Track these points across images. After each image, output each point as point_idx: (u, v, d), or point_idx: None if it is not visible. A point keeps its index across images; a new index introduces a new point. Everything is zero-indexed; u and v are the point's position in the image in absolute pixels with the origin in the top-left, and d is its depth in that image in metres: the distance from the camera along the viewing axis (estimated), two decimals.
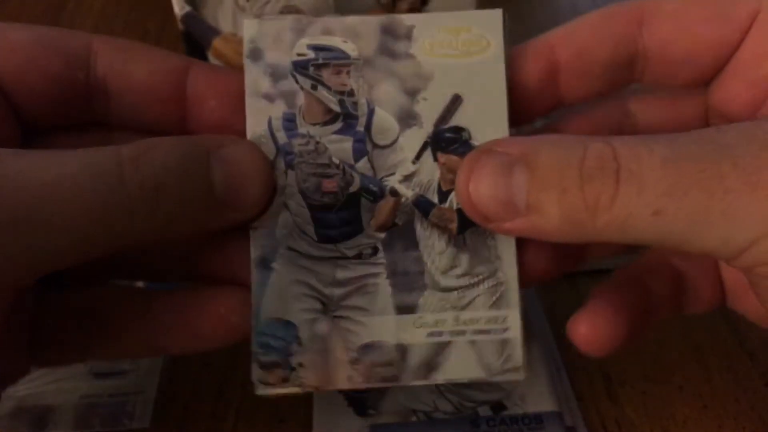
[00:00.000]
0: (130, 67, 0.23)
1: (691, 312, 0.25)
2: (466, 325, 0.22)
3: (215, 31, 0.34)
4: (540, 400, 0.28)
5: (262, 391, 0.22)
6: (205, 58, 0.35)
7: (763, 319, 0.23)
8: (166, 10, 0.37)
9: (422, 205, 0.23)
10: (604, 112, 0.24)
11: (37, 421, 0.28)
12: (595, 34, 0.22)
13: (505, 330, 0.22)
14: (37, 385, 0.30)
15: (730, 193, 0.17)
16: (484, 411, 0.28)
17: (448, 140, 0.22)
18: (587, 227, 0.18)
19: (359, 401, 0.28)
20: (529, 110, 0.24)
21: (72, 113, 0.23)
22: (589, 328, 0.22)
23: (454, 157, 0.22)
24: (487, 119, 0.22)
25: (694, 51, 0.22)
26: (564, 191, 0.18)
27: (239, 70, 0.23)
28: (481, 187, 0.20)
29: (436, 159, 0.22)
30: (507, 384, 0.28)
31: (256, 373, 0.22)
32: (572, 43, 0.22)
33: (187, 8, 0.33)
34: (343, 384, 0.22)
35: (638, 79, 0.23)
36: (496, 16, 0.22)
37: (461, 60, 0.22)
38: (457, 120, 0.22)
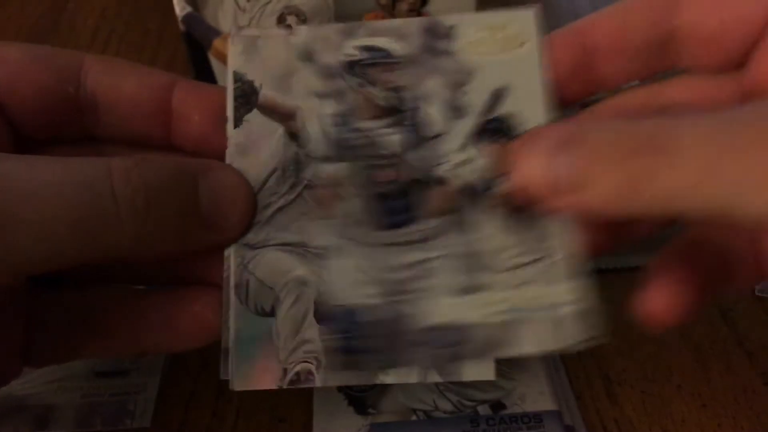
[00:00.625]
0: (118, 82, 0.24)
1: (738, 289, 0.25)
2: (529, 302, 0.22)
3: (216, 32, 0.34)
4: (539, 400, 0.28)
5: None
6: (205, 58, 0.35)
7: None
8: (167, 11, 0.37)
9: (471, 191, 0.23)
10: (640, 98, 0.25)
11: (39, 420, 0.29)
12: (630, 17, 0.23)
13: (571, 303, 0.22)
14: (39, 384, 0.30)
15: (765, 164, 0.17)
16: (484, 410, 0.28)
17: (491, 131, 0.23)
18: (634, 202, 0.19)
19: (359, 400, 0.28)
20: (567, 95, 0.24)
21: (63, 126, 0.24)
22: (668, 296, 0.22)
23: (498, 146, 0.23)
24: (526, 111, 0.23)
25: (725, 29, 0.22)
26: (609, 167, 0.19)
27: (222, 86, 0.24)
28: (531, 168, 0.20)
29: (481, 148, 0.23)
30: (506, 383, 0.28)
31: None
32: (606, 27, 0.23)
33: (188, 9, 0.34)
34: (406, 367, 0.22)
35: (675, 62, 0.24)
36: (530, 15, 0.24)
37: (499, 57, 0.24)
38: (499, 112, 0.23)
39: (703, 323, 0.32)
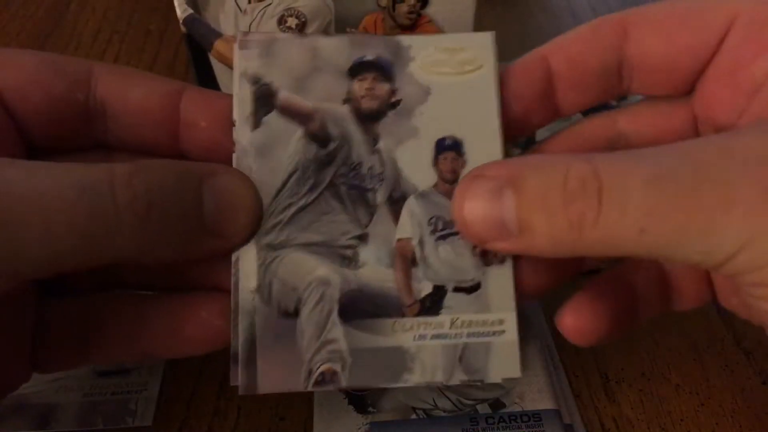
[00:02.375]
0: (127, 89, 0.24)
1: (679, 309, 0.26)
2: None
3: (217, 33, 0.34)
4: (538, 398, 0.28)
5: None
6: (206, 59, 0.36)
7: (751, 317, 0.24)
8: (168, 13, 0.38)
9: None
10: (595, 131, 0.25)
11: (40, 418, 0.29)
12: (585, 45, 0.23)
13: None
14: (40, 383, 0.30)
15: (707, 212, 0.18)
16: (483, 409, 0.28)
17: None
18: (575, 245, 0.19)
19: (359, 399, 0.28)
20: (529, 123, 0.25)
21: (72, 134, 0.24)
22: (574, 319, 0.23)
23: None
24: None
25: (673, 57, 0.22)
26: (550, 212, 0.19)
27: (229, 93, 0.24)
28: (474, 211, 0.20)
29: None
30: (506, 382, 0.28)
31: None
32: (564, 54, 0.23)
33: (189, 10, 0.34)
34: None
35: (626, 89, 0.24)
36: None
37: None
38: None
39: (702, 322, 0.32)
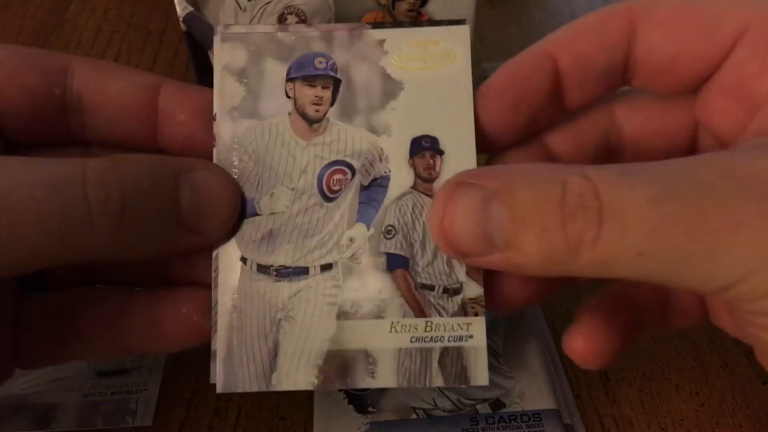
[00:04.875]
0: (104, 83, 0.24)
1: (677, 326, 0.25)
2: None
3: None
4: (538, 398, 0.28)
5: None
6: (206, 58, 0.36)
7: (742, 338, 0.24)
8: (168, 11, 0.38)
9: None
10: (591, 122, 0.24)
11: (40, 418, 0.29)
12: (593, 42, 0.22)
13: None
14: (41, 384, 0.30)
15: (711, 235, 0.17)
16: (483, 409, 0.28)
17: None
18: (568, 265, 0.18)
19: (359, 399, 0.28)
20: (538, 123, 0.24)
21: (50, 129, 0.24)
22: (586, 343, 0.22)
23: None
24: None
25: (677, 62, 0.22)
26: (544, 229, 0.18)
27: (208, 87, 0.24)
28: (456, 224, 0.19)
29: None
30: (506, 382, 0.28)
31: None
32: (572, 53, 0.22)
33: (189, 8, 0.34)
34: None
35: (628, 83, 0.23)
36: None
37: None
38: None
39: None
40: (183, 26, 0.33)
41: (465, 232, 0.19)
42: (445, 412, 0.28)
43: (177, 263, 0.24)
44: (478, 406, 0.28)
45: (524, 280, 0.23)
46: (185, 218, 0.21)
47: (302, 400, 0.29)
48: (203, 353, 0.23)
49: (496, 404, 0.28)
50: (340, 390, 0.29)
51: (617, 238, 0.17)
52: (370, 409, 0.28)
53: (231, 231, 0.23)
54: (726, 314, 0.24)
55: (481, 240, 0.19)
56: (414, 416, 0.28)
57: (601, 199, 0.17)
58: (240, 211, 0.23)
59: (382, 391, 0.29)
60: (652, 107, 0.24)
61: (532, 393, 0.28)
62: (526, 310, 0.31)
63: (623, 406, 0.29)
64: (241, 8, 0.33)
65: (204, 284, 0.23)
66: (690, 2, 0.21)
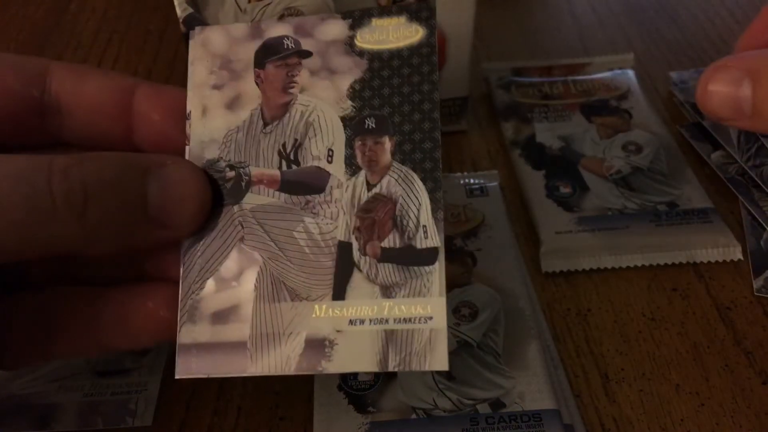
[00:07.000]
0: (80, 85, 0.24)
1: None
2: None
3: None
4: (538, 398, 0.28)
5: None
6: None
7: None
8: (168, 12, 0.38)
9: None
10: None
11: (40, 418, 0.29)
12: None
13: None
14: (40, 384, 0.30)
15: None
16: (483, 409, 0.28)
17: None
18: None
19: (359, 398, 0.28)
20: None
21: (29, 130, 0.24)
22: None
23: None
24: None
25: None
26: None
27: (182, 88, 0.25)
28: (715, 96, 0.26)
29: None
30: (506, 382, 0.28)
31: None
32: None
33: (189, 10, 0.34)
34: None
35: None
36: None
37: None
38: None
39: (702, 322, 0.32)
40: (183, 27, 0.33)
41: (721, 103, 0.26)
42: (445, 412, 0.28)
43: (150, 259, 0.25)
44: (478, 406, 0.28)
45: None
46: (153, 213, 0.22)
47: (302, 399, 0.29)
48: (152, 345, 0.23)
49: (496, 404, 0.28)
50: (340, 389, 0.29)
51: None
52: (370, 409, 0.28)
53: (199, 225, 0.23)
54: None
55: (733, 110, 0.25)
56: (414, 416, 0.28)
57: None
58: (208, 209, 0.23)
59: (382, 391, 0.29)
60: None
61: (533, 393, 0.28)
62: (526, 310, 0.31)
63: (623, 406, 0.29)
64: (241, 10, 0.33)
65: (174, 279, 0.23)
66: None
